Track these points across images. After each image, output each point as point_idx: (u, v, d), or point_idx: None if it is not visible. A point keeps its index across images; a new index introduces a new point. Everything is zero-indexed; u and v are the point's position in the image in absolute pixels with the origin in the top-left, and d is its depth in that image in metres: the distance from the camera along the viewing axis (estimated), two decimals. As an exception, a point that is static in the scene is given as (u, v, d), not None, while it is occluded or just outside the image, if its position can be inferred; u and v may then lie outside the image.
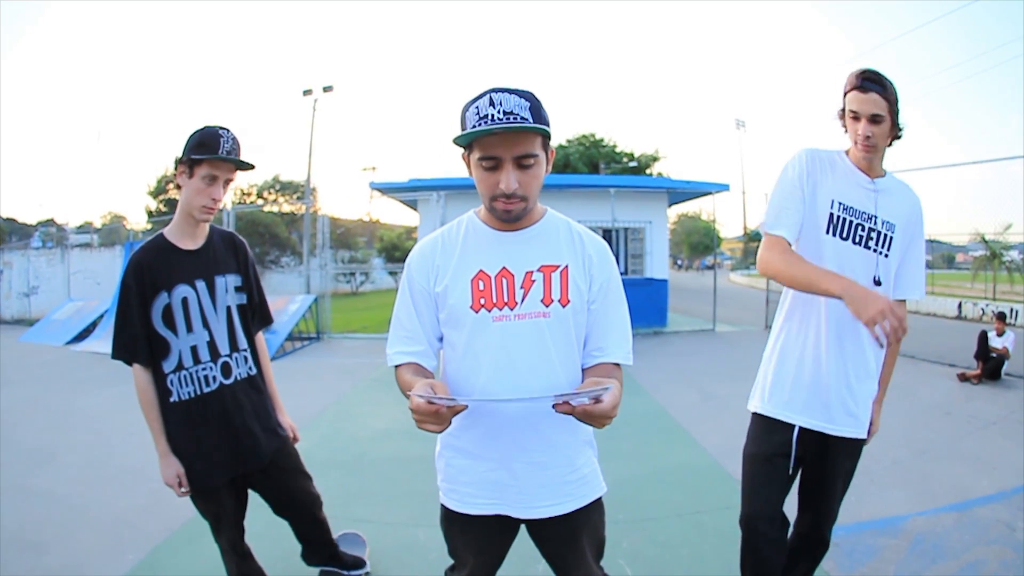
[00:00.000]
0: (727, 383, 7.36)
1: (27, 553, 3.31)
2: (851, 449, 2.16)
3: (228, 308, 2.17)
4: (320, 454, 4.95)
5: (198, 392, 2.08)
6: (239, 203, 28.91)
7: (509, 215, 1.46)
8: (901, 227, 2.05)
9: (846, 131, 2.06)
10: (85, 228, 33.81)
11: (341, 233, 27.84)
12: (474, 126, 1.35)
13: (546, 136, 1.44)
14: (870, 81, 1.94)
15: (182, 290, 2.06)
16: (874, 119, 1.94)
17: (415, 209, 16.37)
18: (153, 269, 2.04)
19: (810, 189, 2.02)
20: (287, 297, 12.47)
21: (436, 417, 1.23)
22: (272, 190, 32.97)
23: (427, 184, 13.88)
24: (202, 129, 2.02)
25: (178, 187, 2.08)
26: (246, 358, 2.23)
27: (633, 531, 3.39)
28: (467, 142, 1.42)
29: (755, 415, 2.21)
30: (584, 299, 1.54)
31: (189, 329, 2.07)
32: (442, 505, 1.67)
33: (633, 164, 35.16)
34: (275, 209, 30.04)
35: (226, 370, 2.15)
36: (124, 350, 2.05)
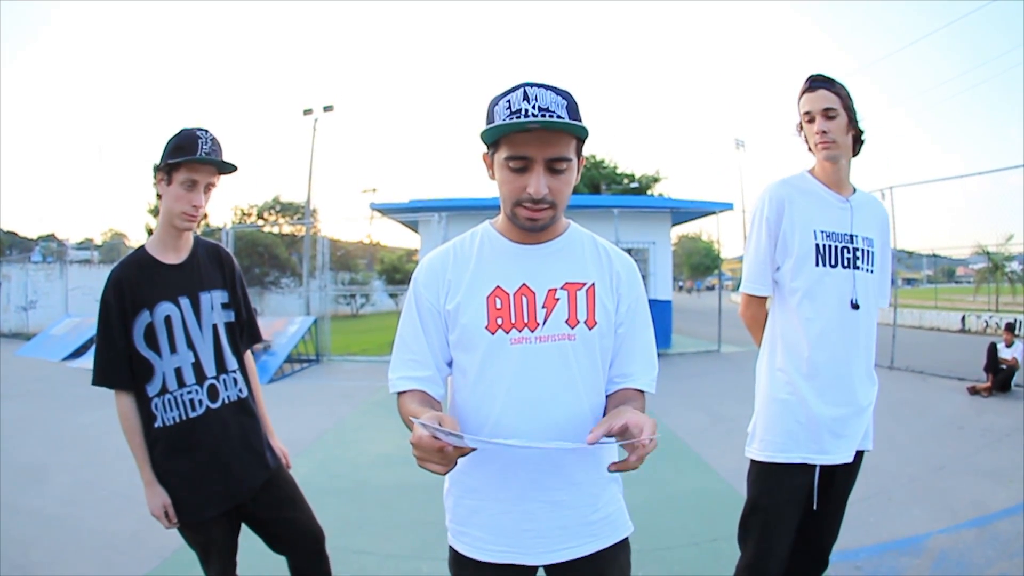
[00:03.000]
0: (736, 405, 7.17)
1: (13, 575, 3.21)
2: (859, 461, 2.12)
3: (214, 326, 2.01)
4: (319, 481, 4.82)
5: (184, 417, 1.93)
6: (239, 223, 28.97)
7: (534, 224, 1.32)
8: (877, 241, 2.10)
9: (808, 146, 2.08)
10: (85, 244, 33.81)
11: (341, 255, 27.83)
12: (504, 120, 1.22)
13: (581, 140, 1.31)
14: (817, 81, 2.01)
15: (165, 308, 1.92)
16: (827, 113, 1.97)
17: (416, 231, 16.37)
18: (134, 285, 1.90)
19: (789, 228, 2.02)
20: (286, 319, 12.42)
21: (440, 455, 1.09)
22: (272, 211, 33.05)
23: (428, 205, 13.93)
24: (179, 132, 1.89)
25: (159, 197, 1.94)
26: (235, 380, 2.06)
27: (649, 561, 3.26)
28: (495, 137, 1.28)
29: (766, 464, 2.08)
30: (611, 320, 1.41)
31: (173, 350, 1.92)
32: (450, 547, 1.51)
33: (634, 185, 35.16)
34: (275, 230, 30.05)
35: (213, 393, 1.99)
36: (104, 376, 1.91)
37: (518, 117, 1.21)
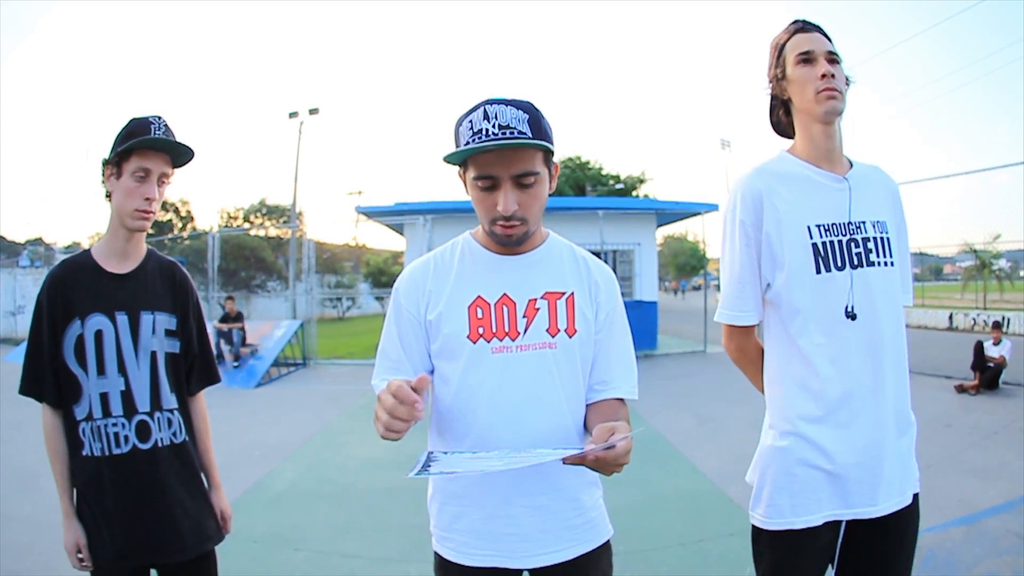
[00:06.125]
0: (722, 405, 7.17)
1: (5, 583, 3.15)
2: (913, 507, 1.61)
3: (153, 354, 1.71)
4: (306, 485, 4.80)
5: (108, 452, 1.65)
6: (225, 227, 28.83)
7: (510, 239, 1.35)
8: (891, 222, 1.61)
9: (785, 102, 1.63)
10: (73, 248, 33.51)
11: (327, 258, 27.75)
12: (467, 142, 1.24)
13: (548, 152, 1.32)
14: (810, 24, 1.60)
15: (97, 321, 1.66)
16: (831, 56, 1.54)
17: (401, 234, 16.35)
18: (68, 290, 1.66)
19: (774, 230, 1.55)
20: (272, 322, 12.37)
21: (409, 411, 1.12)
22: (258, 214, 32.98)
23: (413, 208, 13.89)
24: (129, 121, 1.65)
25: (109, 197, 1.69)
26: (170, 420, 1.74)
27: (635, 562, 3.26)
28: (460, 160, 1.32)
29: (775, 533, 1.55)
30: (591, 329, 1.43)
31: (101, 371, 1.65)
32: (435, 552, 1.52)
33: (620, 186, 35.23)
34: (261, 233, 29.91)
35: (143, 431, 1.68)
36: (29, 385, 1.68)
37: (479, 137, 1.23)
